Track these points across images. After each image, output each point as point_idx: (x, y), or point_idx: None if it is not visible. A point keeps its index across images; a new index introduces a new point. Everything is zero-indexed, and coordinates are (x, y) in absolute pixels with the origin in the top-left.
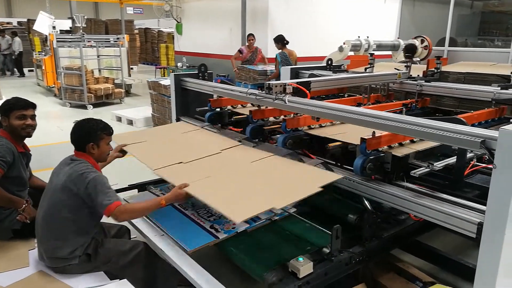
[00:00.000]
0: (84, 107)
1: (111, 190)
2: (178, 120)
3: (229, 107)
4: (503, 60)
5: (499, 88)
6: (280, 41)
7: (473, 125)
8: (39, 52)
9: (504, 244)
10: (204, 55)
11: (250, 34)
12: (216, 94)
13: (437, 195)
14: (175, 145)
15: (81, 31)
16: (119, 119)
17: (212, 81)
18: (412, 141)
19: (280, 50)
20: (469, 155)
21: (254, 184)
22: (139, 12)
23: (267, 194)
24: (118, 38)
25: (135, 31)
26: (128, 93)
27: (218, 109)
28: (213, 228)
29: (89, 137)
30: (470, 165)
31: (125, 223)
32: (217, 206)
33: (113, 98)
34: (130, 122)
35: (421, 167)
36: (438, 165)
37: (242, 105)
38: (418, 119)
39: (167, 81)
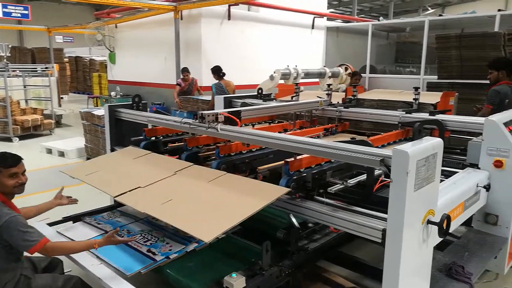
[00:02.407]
0: (8, 139)
1: (30, 230)
2: (112, 150)
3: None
4: (415, 85)
5: (404, 112)
6: (216, 72)
7: (383, 146)
8: None
9: (403, 246)
10: (138, 84)
11: (185, 70)
12: (151, 124)
13: (351, 208)
14: (129, 171)
15: (5, 60)
16: (49, 151)
17: (146, 111)
18: (330, 162)
19: (217, 81)
20: (379, 172)
21: (216, 203)
22: (69, 40)
23: (229, 210)
24: (46, 67)
25: (65, 59)
26: (58, 124)
27: (153, 138)
28: (150, 252)
29: None
30: (379, 180)
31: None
32: (185, 228)
33: (42, 129)
34: (62, 154)
35: (337, 184)
36: (352, 182)
37: (177, 134)
38: (330, 142)
39: (101, 111)
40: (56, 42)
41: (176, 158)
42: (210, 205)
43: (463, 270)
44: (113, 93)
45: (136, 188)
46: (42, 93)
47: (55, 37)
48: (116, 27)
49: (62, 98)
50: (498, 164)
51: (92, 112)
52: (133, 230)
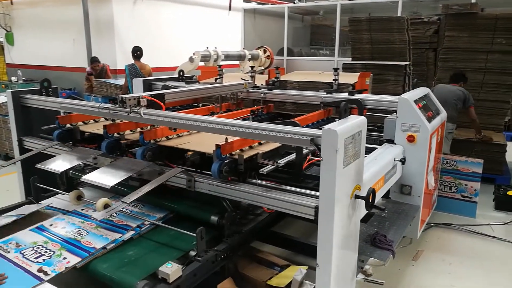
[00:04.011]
0: None
1: None
2: (20, 141)
3: (80, 123)
4: (330, 66)
5: (325, 93)
6: (132, 52)
7: (307, 126)
8: None
9: (335, 222)
10: (44, 68)
11: (95, 60)
12: (65, 110)
13: (283, 188)
14: None
15: None
16: None
17: (57, 97)
18: (260, 143)
19: (132, 62)
20: (305, 151)
21: None
22: None
23: None
24: None
25: None
26: None
27: (68, 126)
28: (41, 272)
29: None
30: (307, 159)
31: None
32: None
33: None
34: None
35: (268, 165)
36: (282, 162)
37: (94, 120)
38: (261, 124)
39: (2, 98)
40: None
41: (95, 147)
42: None
43: (386, 239)
44: (14, 78)
45: None
46: None
47: None
48: (11, 3)
49: None
50: (411, 139)
51: None
52: (24, 242)
